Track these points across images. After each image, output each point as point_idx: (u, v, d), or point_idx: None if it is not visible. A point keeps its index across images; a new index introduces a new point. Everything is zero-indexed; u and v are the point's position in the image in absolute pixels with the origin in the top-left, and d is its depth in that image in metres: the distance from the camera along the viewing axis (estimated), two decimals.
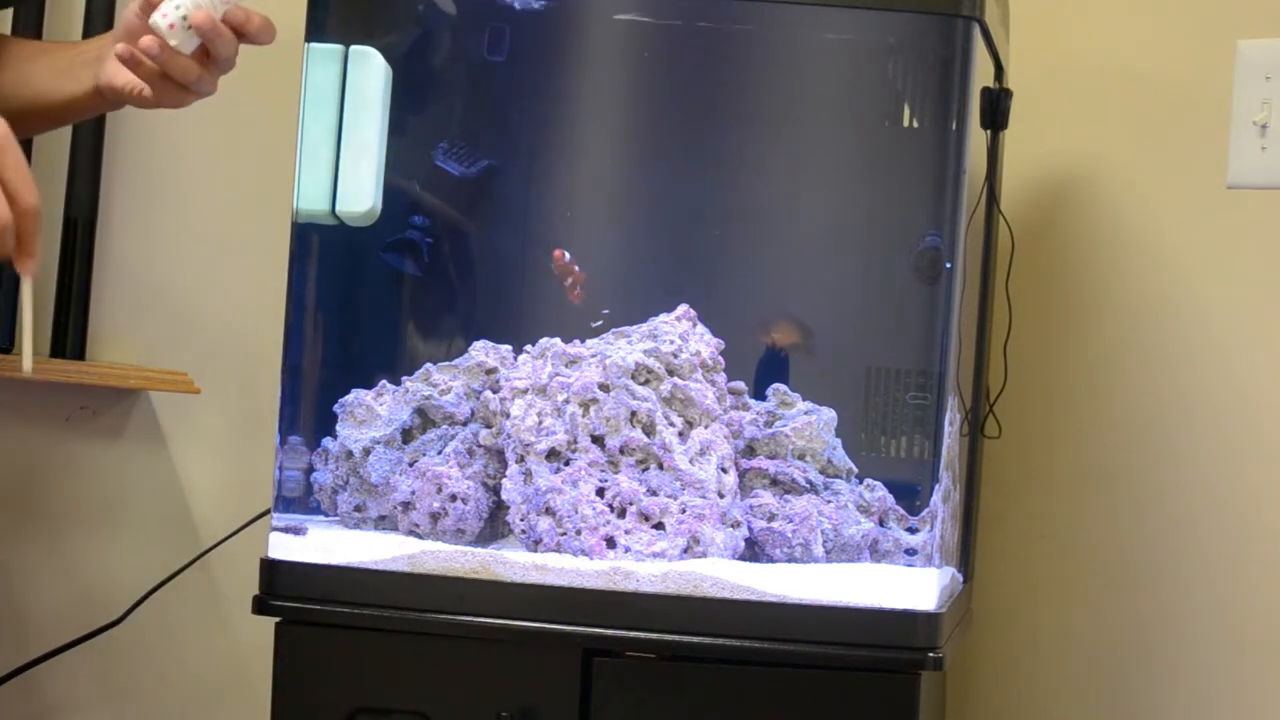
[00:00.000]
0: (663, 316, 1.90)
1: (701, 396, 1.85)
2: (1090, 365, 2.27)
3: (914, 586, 1.80)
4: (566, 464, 1.83)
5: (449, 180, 2.01)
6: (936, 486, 1.86)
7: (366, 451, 1.91)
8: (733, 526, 1.83)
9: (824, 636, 1.75)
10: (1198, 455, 2.21)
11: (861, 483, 1.90)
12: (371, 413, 1.93)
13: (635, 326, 1.90)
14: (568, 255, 1.95)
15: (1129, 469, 2.24)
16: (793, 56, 2.00)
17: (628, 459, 1.82)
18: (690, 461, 1.83)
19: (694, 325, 1.90)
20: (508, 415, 1.86)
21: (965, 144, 1.87)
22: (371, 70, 1.92)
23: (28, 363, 1.59)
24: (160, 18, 1.67)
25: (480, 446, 1.90)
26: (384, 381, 1.95)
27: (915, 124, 2.00)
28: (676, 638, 1.75)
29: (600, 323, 1.92)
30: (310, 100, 1.91)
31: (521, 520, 1.83)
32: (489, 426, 1.90)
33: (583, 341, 1.89)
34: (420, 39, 2.03)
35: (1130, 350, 2.25)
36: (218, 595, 2.35)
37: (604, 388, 1.84)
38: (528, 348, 1.91)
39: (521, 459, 1.84)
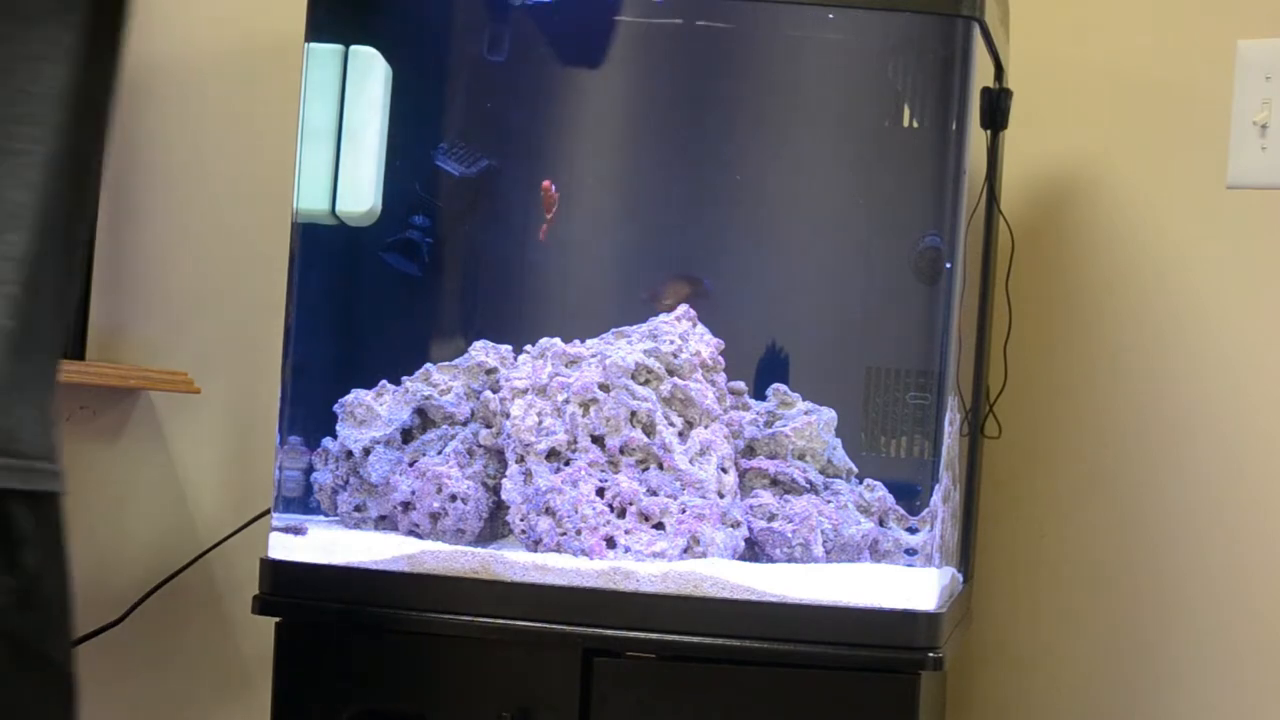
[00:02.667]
0: (663, 316, 1.90)
1: (701, 396, 1.85)
2: (1090, 365, 2.27)
3: (914, 586, 1.80)
4: (566, 464, 1.83)
5: (449, 180, 2.01)
6: (936, 486, 1.86)
7: (366, 451, 1.91)
8: (733, 526, 1.82)
9: (824, 636, 1.75)
10: (1197, 454, 2.21)
11: (861, 483, 1.90)
12: (371, 413, 1.93)
13: (635, 326, 1.90)
14: (554, 187, 1.94)
15: (1129, 468, 2.24)
16: (793, 57, 2.00)
17: (628, 459, 1.82)
18: (690, 461, 1.82)
19: (694, 325, 1.90)
20: (508, 415, 1.86)
21: (965, 144, 1.87)
22: (371, 70, 1.92)
23: None
24: None
25: (480, 446, 1.89)
26: (384, 381, 1.94)
27: (915, 124, 2.00)
28: (676, 638, 1.75)
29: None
30: (310, 100, 1.91)
31: (521, 520, 1.83)
32: (489, 426, 1.90)
33: (583, 341, 1.89)
34: (420, 39, 2.02)
35: (1130, 350, 2.25)
36: (218, 595, 2.35)
37: (604, 388, 1.84)
38: (528, 348, 1.91)
39: (521, 459, 1.84)
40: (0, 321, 1.30)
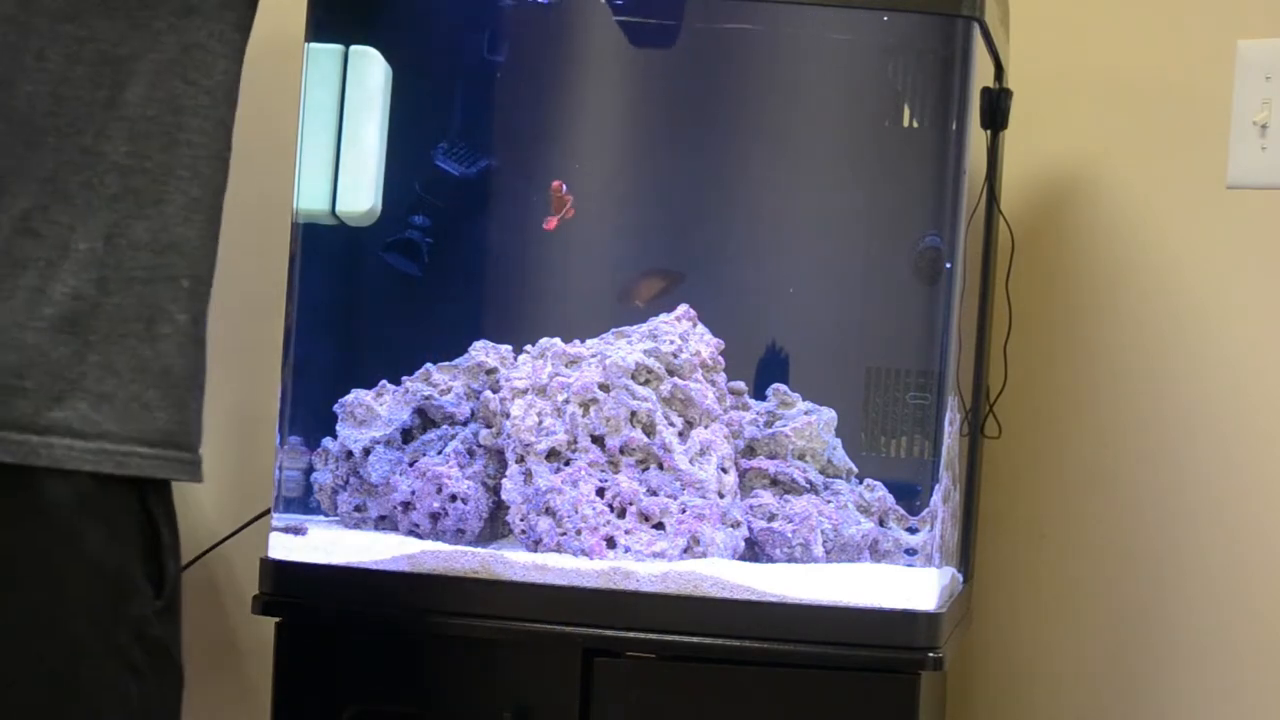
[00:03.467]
0: (663, 316, 1.90)
1: (701, 396, 1.85)
2: (1090, 365, 2.27)
3: (914, 586, 1.80)
4: (566, 464, 1.83)
5: (449, 180, 2.01)
6: (936, 486, 1.86)
7: (366, 451, 1.91)
8: (733, 526, 1.83)
9: (824, 636, 1.75)
10: (1197, 454, 2.21)
11: (861, 483, 1.90)
12: (371, 413, 1.93)
13: (635, 327, 1.90)
14: (565, 188, 1.94)
15: (1129, 468, 2.24)
16: (793, 56, 2.00)
17: (628, 459, 1.82)
18: (690, 461, 1.83)
19: (694, 325, 1.90)
20: (508, 415, 1.86)
21: (965, 144, 1.87)
22: (371, 70, 1.92)
23: None
24: None
25: (480, 446, 1.90)
26: (384, 381, 1.95)
27: (915, 124, 2.00)
28: (676, 638, 1.75)
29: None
30: (310, 100, 1.91)
31: (521, 520, 1.83)
32: (489, 426, 1.90)
33: (583, 341, 1.89)
34: (420, 39, 2.02)
35: (1130, 350, 2.25)
36: (218, 595, 2.35)
37: (604, 388, 1.84)
38: (528, 348, 1.91)
39: (521, 459, 1.84)
40: (177, 316, 1.30)
